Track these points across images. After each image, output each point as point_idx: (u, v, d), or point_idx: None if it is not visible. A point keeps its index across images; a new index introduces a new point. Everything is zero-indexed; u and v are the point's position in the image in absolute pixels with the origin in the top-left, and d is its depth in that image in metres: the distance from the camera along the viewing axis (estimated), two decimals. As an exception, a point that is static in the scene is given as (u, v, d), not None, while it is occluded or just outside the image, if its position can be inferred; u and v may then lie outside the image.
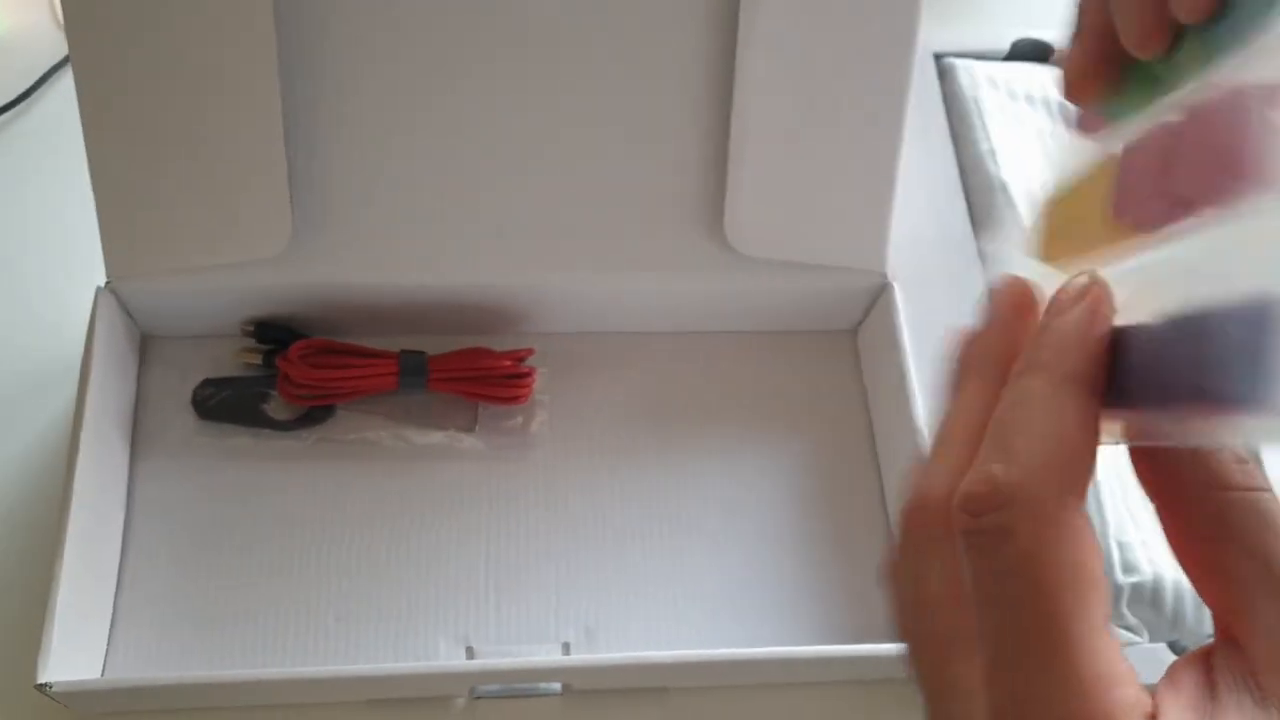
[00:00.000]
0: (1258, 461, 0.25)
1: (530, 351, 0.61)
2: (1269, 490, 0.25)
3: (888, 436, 0.61)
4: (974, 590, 0.25)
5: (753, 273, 0.59)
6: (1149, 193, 0.26)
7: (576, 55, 0.55)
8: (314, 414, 0.59)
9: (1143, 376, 0.24)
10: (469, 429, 0.60)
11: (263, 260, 0.55)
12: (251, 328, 0.60)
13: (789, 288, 0.61)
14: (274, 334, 0.60)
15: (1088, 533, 0.24)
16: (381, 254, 0.57)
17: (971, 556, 0.24)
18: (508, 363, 0.59)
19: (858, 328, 0.65)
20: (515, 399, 0.60)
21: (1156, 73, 0.27)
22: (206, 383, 0.59)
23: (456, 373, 0.59)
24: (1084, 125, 0.29)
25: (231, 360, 0.60)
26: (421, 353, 0.59)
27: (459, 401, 0.60)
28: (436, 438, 0.59)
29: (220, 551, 0.56)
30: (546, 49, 0.55)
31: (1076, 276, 0.26)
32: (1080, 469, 0.24)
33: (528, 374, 0.60)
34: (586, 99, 0.56)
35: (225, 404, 0.59)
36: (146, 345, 0.61)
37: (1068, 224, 0.29)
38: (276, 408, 0.59)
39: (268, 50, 0.52)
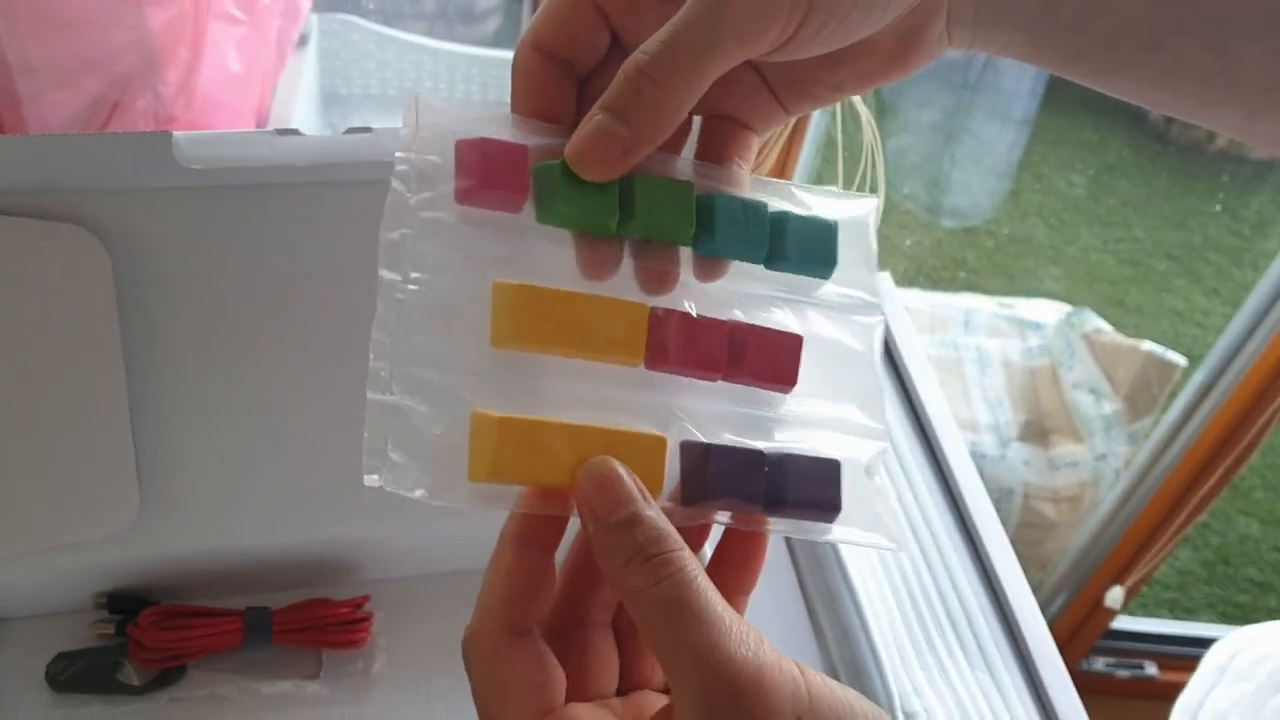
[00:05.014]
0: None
1: (365, 598, 0.66)
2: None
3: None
4: None
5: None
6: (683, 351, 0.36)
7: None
8: (166, 676, 0.63)
9: (724, 483, 0.35)
10: (314, 676, 0.65)
11: (112, 535, 0.61)
12: (104, 600, 0.64)
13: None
14: (126, 604, 0.64)
15: (525, 659, 0.33)
16: (223, 521, 0.63)
17: None
18: (345, 610, 0.65)
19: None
20: (354, 644, 0.65)
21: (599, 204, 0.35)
22: (60, 656, 0.63)
23: (298, 624, 0.64)
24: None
25: (86, 633, 0.64)
26: (265, 608, 0.64)
27: (303, 651, 0.65)
28: (283, 687, 0.64)
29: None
30: (359, 329, 0.63)
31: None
32: (514, 610, 0.34)
33: (364, 619, 0.65)
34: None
35: (79, 675, 0.63)
36: (1, 627, 0.64)
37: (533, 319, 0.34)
38: (130, 673, 0.63)
39: (113, 352, 0.59)
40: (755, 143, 0.39)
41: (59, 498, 0.60)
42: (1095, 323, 1.67)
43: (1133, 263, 2.55)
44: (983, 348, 1.73)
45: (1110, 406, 1.61)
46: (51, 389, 0.59)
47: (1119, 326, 1.72)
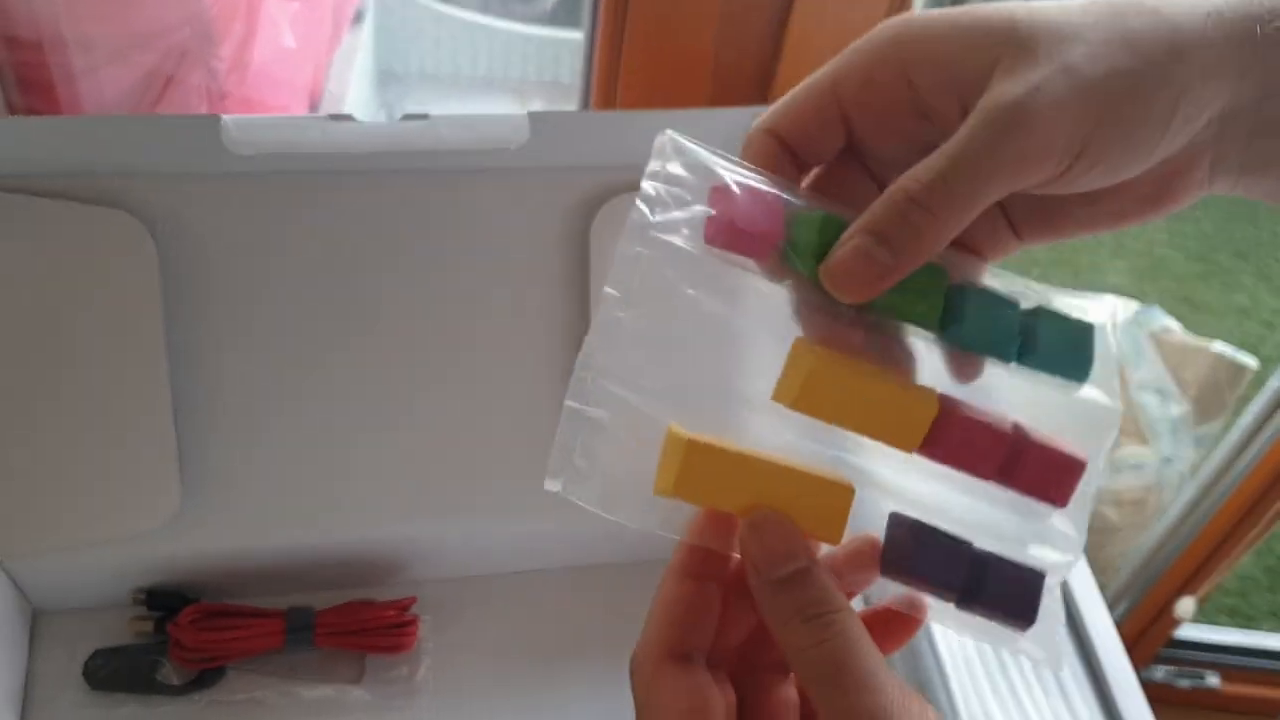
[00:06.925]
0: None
1: (412, 600, 0.64)
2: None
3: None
4: None
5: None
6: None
7: (434, 327, 0.61)
8: (205, 677, 0.61)
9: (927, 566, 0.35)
10: (356, 681, 0.62)
11: (152, 530, 0.59)
12: (143, 596, 0.62)
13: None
14: (165, 601, 0.62)
15: (682, 683, 0.33)
16: (266, 518, 0.60)
17: None
18: (391, 613, 0.62)
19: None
20: (399, 648, 0.62)
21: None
22: (98, 653, 0.61)
23: (341, 626, 0.62)
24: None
25: (124, 629, 0.62)
26: (309, 609, 0.62)
27: (346, 654, 0.63)
28: (324, 692, 0.62)
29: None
30: (409, 323, 0.60)
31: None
32: (673, 635, 0.34)
33: (411, 623, 0.63)
34: (447, 365, 0.61)
35: (117, 674, 0.61)
36: (38, 620, 0.63)
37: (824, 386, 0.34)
38: (168, 673, 0.61)
39: (156, 342, 0.57)
40: (986, 267, 0.39)
41: (99, 490, 0.58)
42: (1163, 321, 1.61)
43: (1200, 258, 2.48)
44: (1045, 344, 1.67)
45: (1178, 408, 1.56)
46: (92, 379, 0.57)
47: (1185, 324, 1.66)
